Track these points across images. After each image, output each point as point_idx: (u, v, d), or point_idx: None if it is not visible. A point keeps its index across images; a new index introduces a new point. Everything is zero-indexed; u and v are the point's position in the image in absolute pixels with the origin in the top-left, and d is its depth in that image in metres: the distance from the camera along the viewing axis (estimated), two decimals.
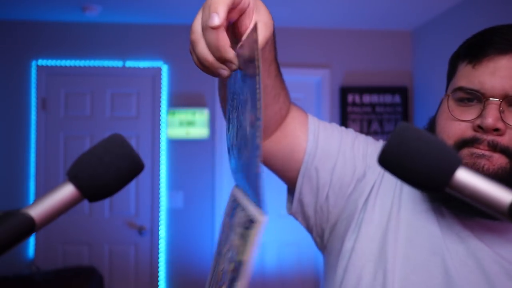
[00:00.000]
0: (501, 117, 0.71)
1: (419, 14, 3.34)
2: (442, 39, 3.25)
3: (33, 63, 3.45)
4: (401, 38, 3.72)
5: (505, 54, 0.73)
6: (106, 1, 3.06)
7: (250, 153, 0.51)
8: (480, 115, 0.72)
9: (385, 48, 3.70)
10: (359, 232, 0.81)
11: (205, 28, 0.50)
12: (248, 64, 0.50)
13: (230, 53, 0.51)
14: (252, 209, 0.51)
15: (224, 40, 0.50)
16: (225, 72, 0.52)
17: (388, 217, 0.81)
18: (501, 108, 0.72)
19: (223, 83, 0.74)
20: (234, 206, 0.63)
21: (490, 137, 0.72)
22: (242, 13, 0.54)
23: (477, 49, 0.75)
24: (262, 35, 0.54)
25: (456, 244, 0.77)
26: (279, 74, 0.76)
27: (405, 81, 3.70)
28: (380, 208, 0.82)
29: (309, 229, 0.91)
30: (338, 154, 0.83)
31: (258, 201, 0.49)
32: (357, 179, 0.83)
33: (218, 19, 0.49)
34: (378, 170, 0.83)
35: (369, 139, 0.88)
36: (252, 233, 0.46)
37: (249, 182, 0.53)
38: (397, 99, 3.66)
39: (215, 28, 0.49)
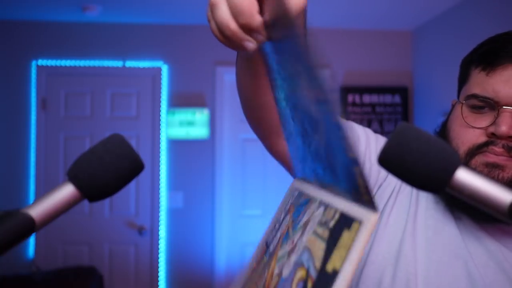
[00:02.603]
0: None
1: (419, 14, 3.34)
2: (442, 39, 3.25)
3: (33, 63, 3.45)
4: (401, 38, 3.72)
5: None
6: (106, 1, 3.06)
7: (329, 135, 0.40)
8: (494, 123, 0.73)
9: (385, 48, 3.70)
10: (376, 235, 0.80)
11: None
12: (277, 28, 0.40)
13: (256, 20, 0.41)
14: (345, 204, 0.40)
15: (251, 2, 0.41)
16: (250, 44, 0.42)
17: (406, 219, 0.81)
18: None
19: (244, 58, 0.61)
20: (302, 202, 0.51)
21: (504, 141, 0.73)
22: None
23: (491, 56, 0.76)
24: (296, 1, 0.42)
25: (476, 246, 0.77)
26: None
27: (405, 81, 3.70)
28: (397, 210, 0.82)
29: None
30: (364, 160, 0.80)
31: (363, 193, 0.37)
32: (379, 184, 0.82)
33: None
34: None
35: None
36: (354, 235, 0.35)
37: (335, 171, 0.42)
38: (397, 99, 3.66)
39: None
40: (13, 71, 3.45)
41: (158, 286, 3.46)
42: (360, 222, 0.35)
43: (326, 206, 0.43)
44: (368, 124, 3.63)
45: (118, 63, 3.51)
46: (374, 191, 0.81)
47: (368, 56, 3.68)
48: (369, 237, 0.34)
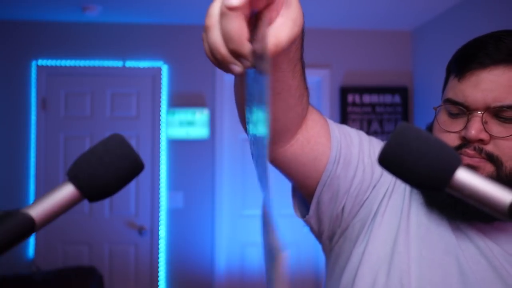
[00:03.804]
0: (484, 128, 0.75)
1: (419, 14, 3.34)
2: (442, 39, 3.24)
3: (33, 63, 3.45)
4: (401, 38, 3.72)
5: (486, 67, 0.75)
6: (106, 1, 3.06)
7: (258, 173, 0.43)
8: (465, 127, 0.77)
9: (385, 48, 3.70)
10: (370, 235, 0.82)
11: (223, 13, 0.43)
12: (259, 61, 0.44)
13: (245, 47, 0.44)
14: (273, 237, 0.43)
15: (241, 30, 0.43)
16: (237, 68, 0.45)
17: (399, 218, 0.83)
18: (484, 120, 0.75)
19: (241, 81, 0.67)
20: (263, 220, 0.55)
21: (476, 144, 0.76)
22: (270, 3, 0.46)
23: (461, 63, 0.79)
24: (287, 33, 0.46)
25: (467, 243, 0.79)
26: (303, 73, 0.71)
27: (405, 81, 3.70)
28: (391, 210, 0.84)
29: (319, 231, 0.90)
30: (358, 162, 0.82)
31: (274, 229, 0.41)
32: (373, 186, 0.84)
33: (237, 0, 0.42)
34: None
35: (381, 143, 0.89)
36: (276, 268, 0.40)
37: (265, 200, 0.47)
38: (397, 99, 3.66)
39: (232, 9, 0.42)
40: (13, 71, 3.45)
41: (158, 286, 3.46)
42: (277, 258, 0.39)
43: (270, 234, 0.45)
44: (368, 124, 3.63)
45: (118, 63, 3.51)
46: (366, 195, 0.84)
47: (368, 56, 3.68)
48: (283, 271, 0.38)
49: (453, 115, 0.79)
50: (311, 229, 0.91)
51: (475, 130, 0.75)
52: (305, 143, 0.78)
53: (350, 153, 0.82)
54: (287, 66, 0.64)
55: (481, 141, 0.75)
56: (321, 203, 0.84)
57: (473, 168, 0.75)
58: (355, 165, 0.82)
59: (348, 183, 0.82)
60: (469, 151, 0.76)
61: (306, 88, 0.73)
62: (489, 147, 0.75)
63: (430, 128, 0.86)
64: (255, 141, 0.49)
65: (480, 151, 0.75)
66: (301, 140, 0.78)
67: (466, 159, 0.76)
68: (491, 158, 0.75)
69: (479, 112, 0.75)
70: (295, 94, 0.69)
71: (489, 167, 0.75)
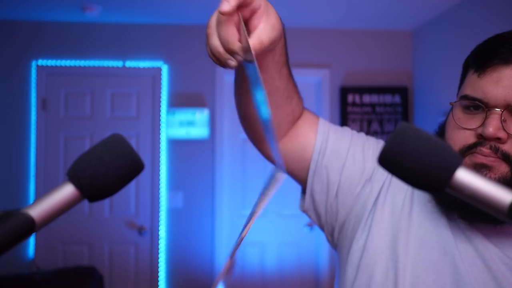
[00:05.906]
0: (502, 126, 0.73)
1: (419, 14, 3.34)
2: (442, 39, 3.25)
3: (33, 63, 3.45)
4: (401, 38, 3.72)
5: (509, 64, 0.73)
6: (106, 1, 3.06)
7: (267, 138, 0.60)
8: (483, 124, 0.74)
9: (385, 48, 3.70)
10: (370, 231, 0.83)
11: (218, 22, 0.58)
12: (247, 54, 0.58)
13: (236, 45, 0.58)
14: (277, 170, 0.62)
15: (233, 33, 0.58)
16: (232, 62, 0.59)
17: (399, 217, 0.83)
18: (503, 118, 0.73)
19: (240, 76, 0.80)
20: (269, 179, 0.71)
21: (492, 142, 0.74)
22: (254, 13, 0.60)
23: (482, 58, 0.76)
24: (268, 35, 0.60)
25: (465, 244, 0.79)
26: (291, 77, 0.81)
27: (405, 81, 3.70)
28: (390, 208, 0.84)
29: (321, 226, 0.94)
30: (347, 154, 0.86)
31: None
32: (365, 180, 0.85)
33: (228, 6, 0.54)
34: None
35: (380, 142, 0.90)
36: (271, 186, 0.56)
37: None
38: (397, 99, 3.66)
39: (224, 13, 0.55)
40: (13, 71, 3.45)
41: (158, 286, 3.46)
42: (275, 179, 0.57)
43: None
44: (368, 124, 3.63)
45: (118, 63, 3.51)
46: (358, 188, 0.86)
47: (368, 56, 3.68)
48: (275, 188, 0.58)
49: (470, 111, 0.77)
50: (314, 223, 0.95)
51: (493, 127, 0.72)
52: (293, 138, 0.86)
53: (339, 145, 0.86)
54: (273, 69, 0.76)
55: (498, 139, 0.73)
56: (314, 194, 0.88)
57: (487, 167, 0.73)
58: (344, 157, 0.86)
59: (337, 174, 0.86)
60: (485, 149, 0.74)
61: (296, 92, 0.84)
62: (506, 147, 0.73)
63: (443, 126, 0.85)
64: (264, 126, 0.63)
65: (496, 150, 0.73)
66: (290, 135, 0.86)
67: (481, 158, 0.74)
68: (507, 158, 0.73)
69: (498, 109, 0.73)
70: (282, 95, 0.80)
71: (504, 167, 0.73)
